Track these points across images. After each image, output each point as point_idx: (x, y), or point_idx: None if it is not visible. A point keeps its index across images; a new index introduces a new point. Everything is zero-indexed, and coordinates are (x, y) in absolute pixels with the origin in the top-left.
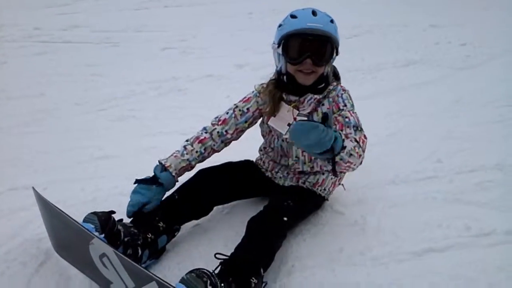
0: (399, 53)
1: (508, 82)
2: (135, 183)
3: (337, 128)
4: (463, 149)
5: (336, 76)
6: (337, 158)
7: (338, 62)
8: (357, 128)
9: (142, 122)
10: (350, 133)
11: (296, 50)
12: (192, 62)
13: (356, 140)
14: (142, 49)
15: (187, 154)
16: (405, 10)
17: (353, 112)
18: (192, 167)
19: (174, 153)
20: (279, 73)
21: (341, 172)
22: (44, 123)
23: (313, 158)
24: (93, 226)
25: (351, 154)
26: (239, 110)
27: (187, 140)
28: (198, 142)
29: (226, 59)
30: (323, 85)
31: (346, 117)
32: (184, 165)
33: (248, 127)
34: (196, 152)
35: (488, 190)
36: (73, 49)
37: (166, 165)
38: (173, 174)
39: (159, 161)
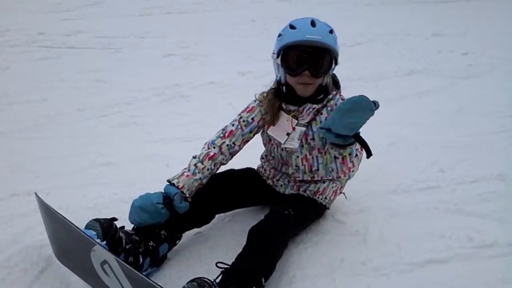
0: (401, 62)
1: (510, 91)
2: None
3: None
4: (465, 159)
5: (336, 85)
6: (346, 152)
7: (340, 71)
8: None
9: (144, 129)
10: None
11: (295, 62)
12: (195, 69)
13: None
14: (144, 55)
15: (198, 173)
16: (407, 19)
17: None
18: (202, 185)
19: (184, 172)
20: (278, 83)
21: (338, 177)
22: (46, 128)
23: (313, 168)
24: (95, 233)
25: (356, 155)
26: (244, 120)
27: (195, 157)
28: (209, 159)
29: (229, 66)
30: (322, 96)
31: None
32: (197, 184)
33: (253, 137)
34: (208, 169)
35: (490, 201)
36: (76, 55)
37: (179, 186)
38: (187, 195)
39: (169, 181)
